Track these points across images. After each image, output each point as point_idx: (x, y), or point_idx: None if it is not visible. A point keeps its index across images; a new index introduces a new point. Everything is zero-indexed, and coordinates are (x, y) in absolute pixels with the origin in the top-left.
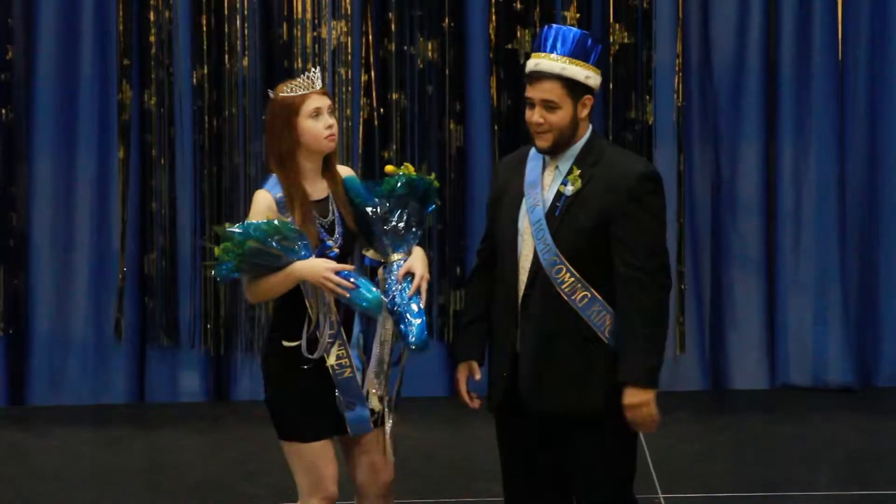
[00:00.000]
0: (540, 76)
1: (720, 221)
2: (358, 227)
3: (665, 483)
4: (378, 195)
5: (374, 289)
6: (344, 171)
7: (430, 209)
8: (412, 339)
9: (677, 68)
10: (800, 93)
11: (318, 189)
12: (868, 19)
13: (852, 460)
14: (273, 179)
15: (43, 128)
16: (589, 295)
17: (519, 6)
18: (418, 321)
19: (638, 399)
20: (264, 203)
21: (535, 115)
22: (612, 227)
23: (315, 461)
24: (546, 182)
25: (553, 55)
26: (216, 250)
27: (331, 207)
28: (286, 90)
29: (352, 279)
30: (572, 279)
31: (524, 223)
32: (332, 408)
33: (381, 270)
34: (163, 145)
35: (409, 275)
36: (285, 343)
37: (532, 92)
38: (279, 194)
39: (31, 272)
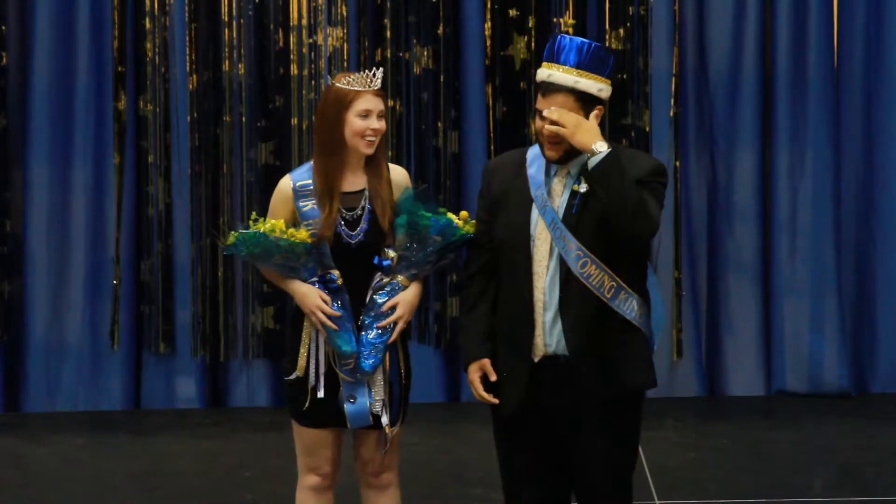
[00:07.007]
0: (553, 88)
1: (716, 228)
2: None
3: (661, 489)
4: (412, 226)
5: (352, 341)
6: (397, 173)
7: (453, 254)
8: (363, 367)
9: (673, 75)
10: (795, 99)
11: (353, 182)
12: (863, 27)
13: (848, 466)
14: (305, 165)
15: (38, 134)
16: (615, 284)
17: (514, 13)
18: (369, 357)
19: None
20: (281, 193)
21: (546, 127)
22: None
23: (312, 444)
24: (557, 188)
25: (566, 67)
26: (231, 237)
27: (362, 202)
28: (343, 81)
29: (337, 323)
30: (599, 271)
31: (537, 227)
32: (337, 399)
33: (391, 253)
34: (159, 151)
35: (392, 308)
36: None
37: (543, 104)
38: (303, 181)
39: (26, 278)
